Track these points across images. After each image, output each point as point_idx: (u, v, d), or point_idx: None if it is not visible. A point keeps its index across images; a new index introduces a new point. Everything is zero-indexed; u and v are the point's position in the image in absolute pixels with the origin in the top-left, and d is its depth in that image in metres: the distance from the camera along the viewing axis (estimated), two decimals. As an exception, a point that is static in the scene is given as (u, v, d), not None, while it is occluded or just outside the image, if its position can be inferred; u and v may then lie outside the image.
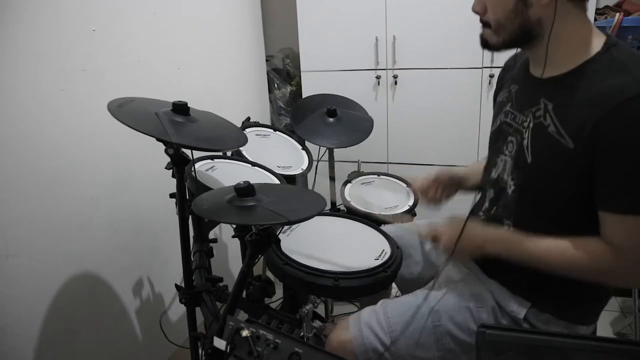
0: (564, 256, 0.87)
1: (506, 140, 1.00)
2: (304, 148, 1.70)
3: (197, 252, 1.47)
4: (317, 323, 1.19)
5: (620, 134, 0.77)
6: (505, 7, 0.86)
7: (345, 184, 1.70)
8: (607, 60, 0.83)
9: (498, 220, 1.01)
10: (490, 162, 1.05)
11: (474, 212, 1.14)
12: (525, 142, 0.92)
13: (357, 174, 1.78)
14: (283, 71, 2.65)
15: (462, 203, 1.21)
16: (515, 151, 0.96)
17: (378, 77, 2.30)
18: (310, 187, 1.76)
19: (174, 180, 1.19)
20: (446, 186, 1.21)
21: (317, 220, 1.27)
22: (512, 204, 0.97)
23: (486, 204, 1.08)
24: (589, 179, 0.83)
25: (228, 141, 1.15)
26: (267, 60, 2.61)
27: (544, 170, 0.89)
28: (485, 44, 0.95)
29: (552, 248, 0.89)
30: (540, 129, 0.89)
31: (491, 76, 2.08)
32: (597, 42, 0.86)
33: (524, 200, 0.94)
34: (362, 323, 1.02)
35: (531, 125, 0.92)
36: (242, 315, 1.01)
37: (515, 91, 1.02)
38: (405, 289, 1.31)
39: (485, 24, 0.92)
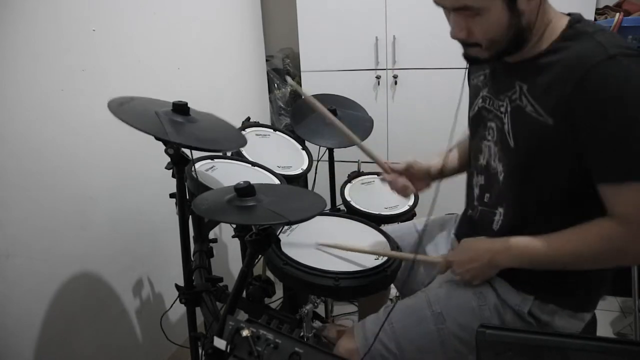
0: (578, 248, 0.86)
1: (487, 126, 1.00)
2: (304, 148, 1.70)
3: (197, 252, 1.47)
4: (317, 323, 1.19)
5: (595, 100, 0.77)
6: (500, 24, 0.83)
7: (345, 184, 1.70)
8: (572, 35, 0.84)
9: (491, 207, 1.01)
10: (476, 149, 1.04)
11: (467, 202, 1.14)
12: (505, 127, 0.92)
13: (357, 174, 1.78)
14: (283, 71, 2.65)
15: (454, 198, 1.21)
16: (498, 137, 0.96)
17: (378, 77, 2.30)
18: (310, 187, 1.76)
19: (174, 180, 1.19)
20: (418, 180, 1.16)
21: (317, 220, 1.27)
22: (504, 191, 0.96)
23: (477, 191, 1.06)
24: (574, 154, 0.83)
25: (227, 143, 1.15)
26: (267, 60, 2.61)
27: (528, 151, 0.88)
28: (475, 60, 0.92)
29: (562, 244, 0.87)
30: (519, 111, 0.89)
31: (491, 76, 2.08)
32: (562, 21, 0.87)
33: (514, 186, 0.94)
34: (367, 331, 1.02)
35: (509, 109, 0.92)
36: (242, 315, 1.01)
37: (490, 75, 1.02)
38: (405, 290, 1.31)
39: (471, 44, 0.88)
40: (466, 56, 0.93)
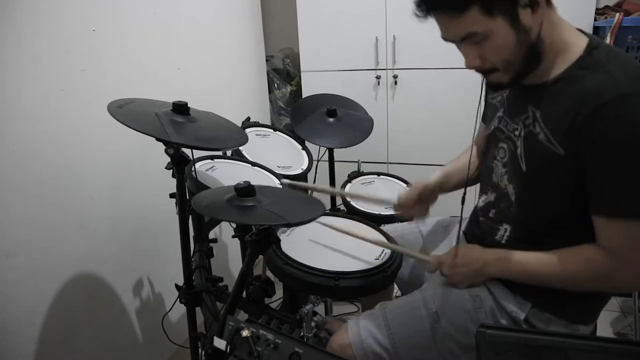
0: (562, 269, 0.88)
1: (497, 146, 1.01)
2: (304, 148, 1.70)
3: (197, 252, 1.47)
4: (318, 317, 1.19)
5: (602, 136, 0.78)
6: (509, 43, 0.82)
7: (345, 184, 1.70)
8: (589, 64, 0.83)
9: (495, 222, 1.02)
10: (488, 167, 1.06)
11: (474, 210, 1.14)
12: (518, 150, 0.93)
13: (357, 174, 1.78)
14: (283, 71, 2.65)
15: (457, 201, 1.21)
16: (510, 159, 0.96)
17: (378, 77, 2.30)
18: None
19: (174, 180, 1.19)
20: (429, 199, 1.19)
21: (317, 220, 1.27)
22: (513, 211, 0.97)
23: (481, 204, 1.08)
24: (580, 183, 0.83)
25: (228, 141, 1.15)
26: (267, 60, 2.61)
27: (539, 177, 0.89)
28: (498, 86, 0.91)
29: (548, 263, 0.89)
30: (531, 137, 0.89)
31: (491, 76, 2.08)
32: (579, 44, 0.86)
33: (524, 208, 0.95)
34: (361, 327, 1.02)
35: (522, 134, 0.92)
36: (242, 315, 1.01)
37: (506, 97, 1.02)
38: (405, 289, 1.31)
39: (488, 71, 0.88)
40: (489, 84, 0.93)
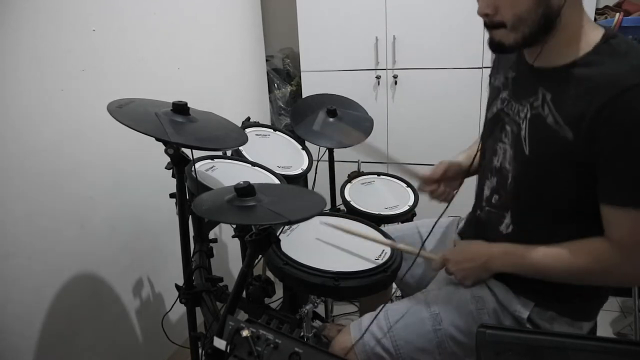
0: (568, 262, 0.87)
1: (504, 128, 0.99)
2: (304, 148, 1.70)
3: (197, 252, 1.47)
4: (317, 323, 1.19)
5: (620, 123, 0.76)
6: None
7: (345, 184, 1.70)
8: (607, 51, 0.82)
9: (500, 209, 1.01)
10: (491, 150, 1.04)
11: (475, 203, 1.14)
12: (522, 133, 0.91)
13: (357, 174, 1.78)
14: (283, 71, 2.65)
15: (456, 201, 1.20)
16: (513, 142, 0.95)
17: (378, 77, 2.30)
18: (310, 187, 1.76)
19: (174, 180, 1.19)
20: (453, 181, 1.17)
21: (317, 220, 1.27)
22: (511, 195, 0.96)
23: (487, 192, 1.06)
24: (589, 170, 0.82)
25: (228, 141, 1.15)
26: (267, 60, 2.61)
27: (543, 161, 0.88)
28: (500, 46, 0.88)
29: (554, 256, 0.88)
30: (539, 120, 0.88)
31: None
32: (596, 34, 0.85)
33: (522, 193, 0.94)
34: (363, 329, 1.02)
35: (528, 115, 0.90)
36: (242, 315, 1.01)
37: (512, 78, 1.00)
38: (405, 290, 1.31)
39: (496, 25, 0.86)
40: (491, 42, 0.91)
